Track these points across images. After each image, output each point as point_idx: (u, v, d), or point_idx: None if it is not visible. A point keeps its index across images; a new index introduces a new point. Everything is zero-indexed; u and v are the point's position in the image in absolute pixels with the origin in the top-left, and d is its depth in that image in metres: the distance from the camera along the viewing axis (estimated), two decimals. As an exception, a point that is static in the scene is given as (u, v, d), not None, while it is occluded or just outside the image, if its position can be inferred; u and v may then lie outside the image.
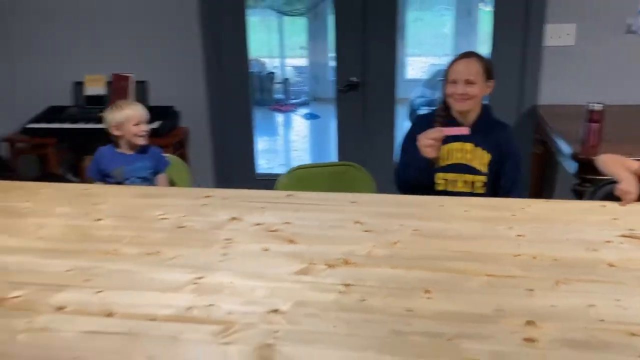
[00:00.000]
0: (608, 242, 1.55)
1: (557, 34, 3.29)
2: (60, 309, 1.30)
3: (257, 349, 1.13)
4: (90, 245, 1.63)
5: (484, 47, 3.49)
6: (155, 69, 3.72)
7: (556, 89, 3.34)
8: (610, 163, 1.84)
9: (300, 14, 7.58)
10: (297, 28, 8.60)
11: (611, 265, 1.43)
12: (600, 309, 1.23)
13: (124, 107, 2.53)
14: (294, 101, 7.71)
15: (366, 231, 1.67)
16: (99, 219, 1.82)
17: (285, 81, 7.78)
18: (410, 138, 2.25)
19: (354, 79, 3.55)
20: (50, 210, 1.91)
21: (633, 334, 1.14)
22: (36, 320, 1.25)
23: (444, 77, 2.21)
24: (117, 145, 2.52)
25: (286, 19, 8.26)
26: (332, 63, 7.94)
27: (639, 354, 1.08)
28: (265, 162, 5.06)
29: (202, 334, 1.19)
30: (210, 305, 1.29)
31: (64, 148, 3.73)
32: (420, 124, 2.28)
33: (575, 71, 3.30)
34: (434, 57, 7.53)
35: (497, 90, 3.47)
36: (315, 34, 7.81)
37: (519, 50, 3.39)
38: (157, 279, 1.43)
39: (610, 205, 1.79)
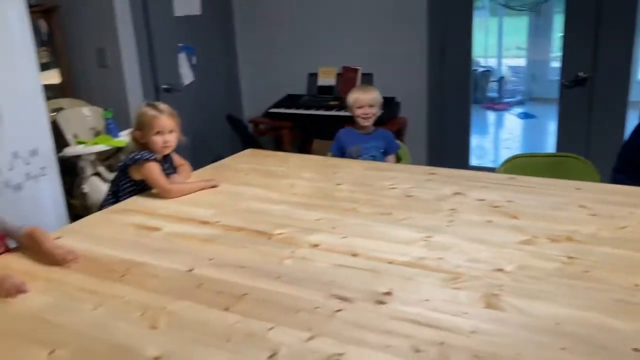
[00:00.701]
0: None
1: None
2: (314, 245, 1.58)
3: (484, 295, 1.28)
4: (333, 203, 1.91)
5: None
6: (381, 62, 4.01)
7: None
8: None
9: (526, 10, 7.36)
10: (515, 28, 8.38)
11: None
12: None
13: (357, 91, 2.82)
14: (508, 100, 7.54)
15: (591, 215, 1.70)
16: (339, 184, 2.11)
17: (501, 80, 7.64)
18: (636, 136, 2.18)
19: (582, 74, 3.44)
20: (299, 174, 2.26)
21: None
22: (297, 251, 1.55)
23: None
24: (355, 126, 2.83)
25: (505, 19, 8.11)
26: (553, 62, 7.59)
27: None
28: (475, 159, 5.09)
29: (434, 279, 1.37)
30: (439, 258, 1.47)
31: (296, 131, 4.22)
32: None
33: None
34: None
35: None
36: (536, 33, 7.55)
37: None
38: (392, 233, 1.65)
39: None
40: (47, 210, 2.78)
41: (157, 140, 2.06)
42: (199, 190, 2.10)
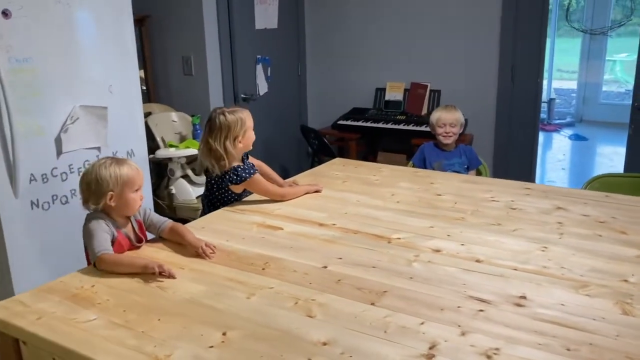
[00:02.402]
0: None
1: None
2: (437, 251, 1.67)
3: (617, 303, 1.35)
4: (439, 212, 2.00)
5: None
6: (450, 79, 4.10)
7: None
8: None
9: (580, 35, 7.39)
10: (568, 50, 8.40)
11: None
12: None
13: (440, 110, 2.91)
14: (558, 121, 7.55)
15: (702, 234, 1.76)
16: (439, 194, 2.20)
17: (551, 101, 7.66)
18: None
19: (655, 98, 3.48)
20: (395, 183, 2.35)
21: None
22: (421, 255, 1.64)
23: None
24: (437, 142, 2.91)
25: (558, 40, 8.13)
26: (605, 86, 7.55)
27: None
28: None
29: (563, 286, 1.44)
30: (562, 267, 1.55)
31: (362, 143, 4.32)
32: None
33: None
34: None
35: None
36: (590, 56, 7.56)
37: None
38: (507, 242, 1.73)
39: None
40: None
41: (253, 136, 2.15)
42: (306, 193, 2.21)
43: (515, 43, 3.89)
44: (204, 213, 2.16)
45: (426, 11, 4.12)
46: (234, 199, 2.15)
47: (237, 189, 2.14)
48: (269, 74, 4.16)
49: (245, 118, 2.12)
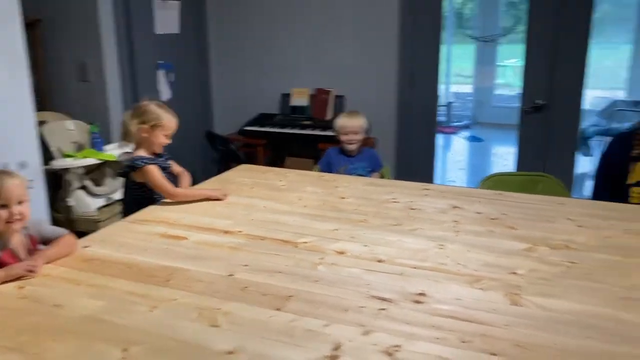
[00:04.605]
0: None
1: None
2: (341, 253, 1.71)
3: (507, 294, 1.44)
4: (343, 215, 2.05)
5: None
6: (354, 85, 4.21)
7: None
8: None
9: (473, 42, 7.82)
10: (464, 56, 8.86)
11: None
12: None
13: (343, 117, 2.98)
14: (456, 124, 7.94)
15: (579, 226, 1.91)
16: (344, 197, 2.25)
17: (449, 105, 8.04)
18: (609, 154, 2.45)
19: (539, 101, 3.75)
20: (302, 188, 2.38)
21: None
22: (326, 258, 1.67)
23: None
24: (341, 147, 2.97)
25: (454, 47, 8.56)
26: (498, 89, 8.03)
27: None
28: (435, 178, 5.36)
29: (459, 282, 1.52)
30: (458, 263, 1.63)
31: (269, 149, 4.33)
32: (619, 141, 2.47)
33: None
34: (608, 90, 7.38)
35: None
36: (483, 62, 8.02)
37: None
38: (407, 242, 1.80)
39: None
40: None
41: (162, 139, 2.22)
42: (205, 198, 2.18)
43: (413, 49, 4.05)
44: (123, 217, 2.13)
45: (329, 18, 4.20)
46: (146, 198, 2.14)
47: (137, 177, 2.17)
48: (172, 80, 4.07)
49: (163, 116, 2.20)
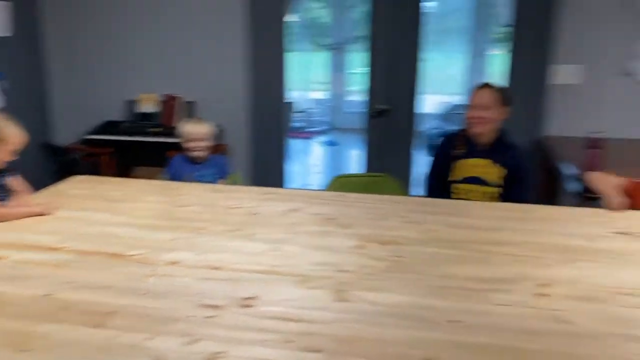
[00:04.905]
0: (602, 236, 1.91)
1: (565, 74, 3.70)
2: (174, 263, 1.67)
3: (334, 291, 1.49)
4: (183, 223, 2.00)
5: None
6: (204, 91, 4.15)
7: (563, 122, 3.74)
8: (597, 180, 2.20)
9: (327, 50, 8.07)
10: (320, 63, 9.12)
11: (604, 251, 1.79)
12: (596, 279, 1.59)
13: (188, 124, 2.92)
14: (313, 129, 8.15)
15: (408, 222, 2.04)
16: (185, 206, 2.20)
17: (305, 111, 8.24)
18: (438, 153, 2.66)
19: (383, 106, 3.96)
20: (141, 197, 2.29)
21: (619, 293, 1.50)
22: (158, 269, 1.62)
23: (468, 103, 2.62)
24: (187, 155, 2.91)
25: (310, 55, 8.80)
26: (351, 96, 8.36)
27: (622, 304, 1.44)
28: (290, 183, 5.45)
29: (289, 282, 1.55)
30: (290, 264, 1.66)
31: (116, 157, 4.13)
32: (445, 141, 2.70)
33: (580, 106, 3.70)
34: (448, 95, 8.00)
35: (512, 123, 3.88)
36: (337, 69, 8.31)
37: (529, 87, 3.79)
38: (245, 247, 1.80)
39: (603, 211, 2.16)
40: None
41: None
42: (25, 216, 2.01)
43: (261, 56, 4.08)
44: None
45: (176, 21, 4.11)
46: None
47: None
48: (5, 87, 3.73)
49: (5, 132, 2.07)
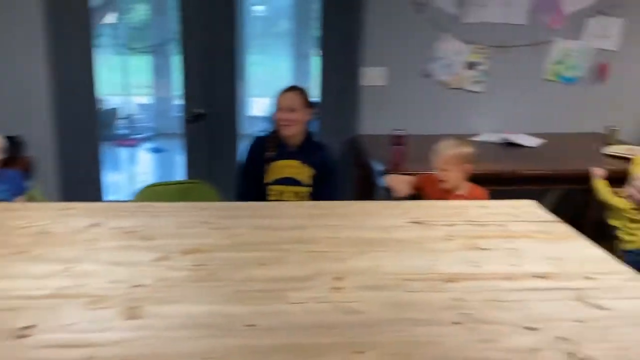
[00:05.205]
0: (398, 226, 2.05)
1: (372, 76, 3.94)
2: (-62, 296, 1.46)
3: (126, 309, 1.41)
4: (-44, 250, 1.76)
5: (317, 88, 4.05)
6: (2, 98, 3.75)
7: (372, 121, 3.98)
8: (390, 179, 2.41)
9: (146, 52, 7.77)
10: (142, 67, 8.74)
11: (398, 240, 1.92)
12: (387, 268, 1.69)
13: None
14: (138, 136, 7.79)
15: (214, 228, 2.00)
16: (-39, 229, 1.94)
17: (129, 117, 7.85)
18: (249, 156, 2.68)
19: (200, 110, 3.89)
20: None
21: (405, 280, 1.61)
22: None
23: (275, 105, 2.66)
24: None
25: (131, 58, 8.38)
26: (177, 100, 8.16)
27: (408, 289, 1.55)
28: (111, 194, 5.15)
29: (76, 305, 1.43)
30: (81, 285, 1.54)
31: None
32: (256, 144, 2.72)
33: (386, 106, 3.97)
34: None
35: (325, 123, 4.03)
36: (160, 72, 8.02)
37: (342, 89, 3.98)
38: (30, 270, 1.63)
39: (402, 203, 2.33)
40: None
41: None
42: None
43: (67, 58, 3.79)
44: None
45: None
46: None
47: None
48: None
49: None
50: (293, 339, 1.31)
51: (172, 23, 4.55)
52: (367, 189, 4.02)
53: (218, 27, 3.87)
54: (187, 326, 1.35)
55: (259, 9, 9.86)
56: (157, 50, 7.58)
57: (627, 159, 3.32)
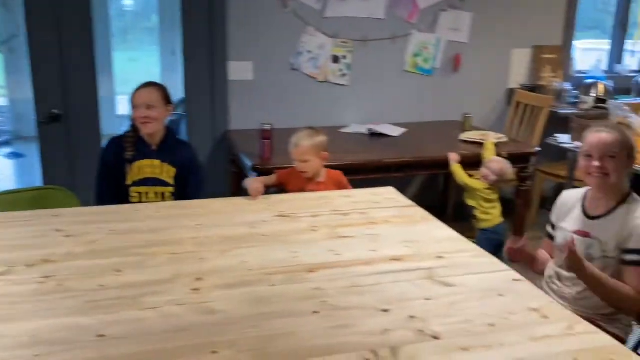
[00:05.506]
0: (264, 221, 2.05)
1: (239, 70, 3.90)
2: None
3: (-42, 333, 1.28)
4: None
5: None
6: None
7: (242, 116, 3.94)
8: (247, 181, 2.44)
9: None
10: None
11: (264, 235, 1.92)
12: (250, 263, 1.69)
13: None
14: (-8, 141, 7.15)
15: (67, 236, 1.88)
16: None
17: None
18: (106, 158, 2.55)
19: (56, 111, 3.63)
20: None
21: (267, 274, 1.61)
22: None
23: (130, 103, 2.54)
24: None
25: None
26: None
27: (268, 284, 1.55)
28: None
29: None
30: None
31: None
32: (113, 144, 2.59)
33: (255, 101, 3.95)
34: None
35: (195, 119, 3.94)
36: (13, 71, 7.39)
37: (209, 84, 3.90)
38: None
39: (268, 197, 2.34)
40: None
41: None
42: None
43: None
44: None
45: None
46: None
47: None
48: None
49: None
50: (145, 345, 1.27)
51: (19, 17, 4.18)
52: (241, 185, 3.99)
53: (71, 21, 3.63)
54: (33, 344, 1.25)
55: (128, 4, 9.43)
56: (6, 48, 6.97)
57: (480, 144, 3.57)
